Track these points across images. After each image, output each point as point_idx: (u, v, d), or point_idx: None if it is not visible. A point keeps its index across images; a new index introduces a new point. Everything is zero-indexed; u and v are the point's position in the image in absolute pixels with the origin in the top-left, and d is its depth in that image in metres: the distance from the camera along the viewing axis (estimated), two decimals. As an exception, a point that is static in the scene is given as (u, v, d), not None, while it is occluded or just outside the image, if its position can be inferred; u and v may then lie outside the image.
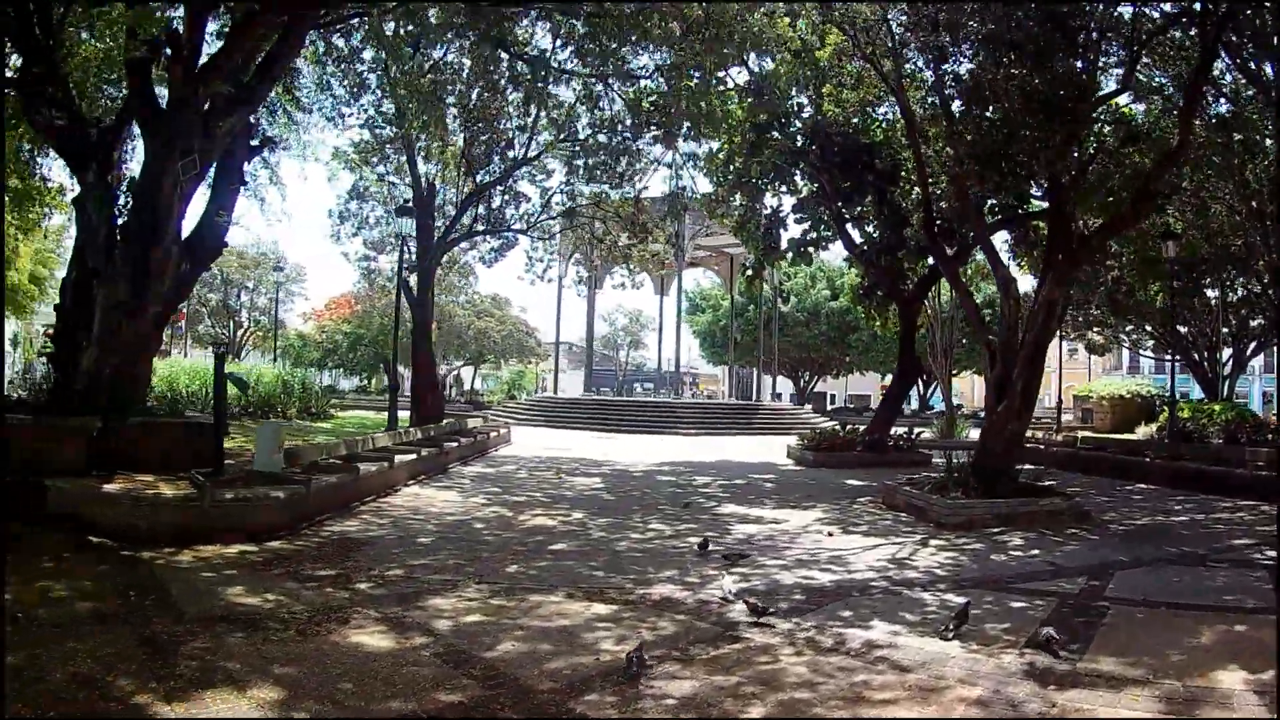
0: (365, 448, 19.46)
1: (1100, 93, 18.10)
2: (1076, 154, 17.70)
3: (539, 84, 25.00)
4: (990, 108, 17.46)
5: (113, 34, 16.14)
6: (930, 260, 27.56)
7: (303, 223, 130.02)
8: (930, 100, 19.68)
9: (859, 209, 29.22)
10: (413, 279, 31.97)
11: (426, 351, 32.40)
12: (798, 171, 29.02)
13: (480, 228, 34.28)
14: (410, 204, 29.68)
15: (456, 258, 42.31)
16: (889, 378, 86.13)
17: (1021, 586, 10.56)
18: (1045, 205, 20.75)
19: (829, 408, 76.78)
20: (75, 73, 17.60)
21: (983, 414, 24.12)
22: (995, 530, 14.70)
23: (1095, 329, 48.73)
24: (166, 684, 6.34)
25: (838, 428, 31.88)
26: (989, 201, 23.57)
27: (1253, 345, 43.51)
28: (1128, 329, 47.65)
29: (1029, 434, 33.28)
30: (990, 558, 12.57)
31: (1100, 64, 18.05)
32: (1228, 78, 23.88)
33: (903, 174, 24.99)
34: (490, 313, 78.07)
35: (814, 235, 30.82)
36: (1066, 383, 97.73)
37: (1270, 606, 9.25)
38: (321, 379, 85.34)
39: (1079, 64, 16.72)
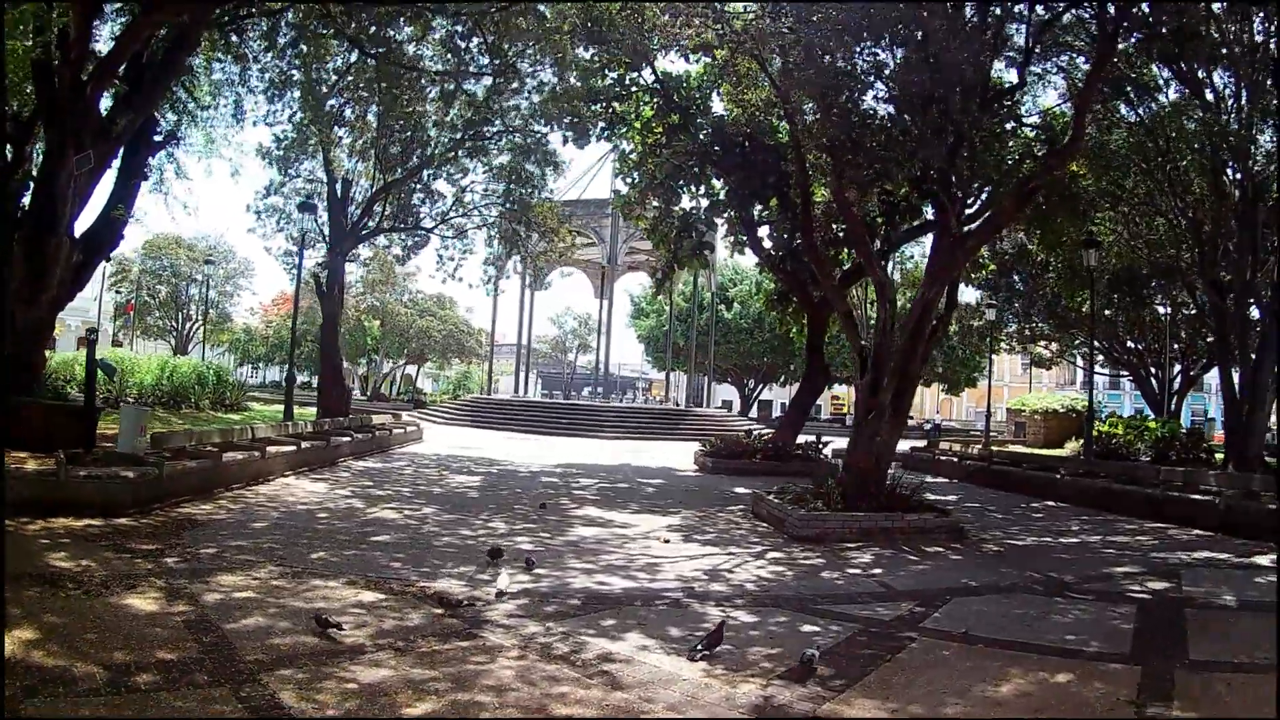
0: (242, 437, 19.91)
1: (997, 87, 18.14)
2: (967, 154, 17.14)
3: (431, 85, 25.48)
4: (860, 101, 17.47)
5: (21, 33, 16.42)
6: (848, 264, 27.95)
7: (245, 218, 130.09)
8: (804, 101, 19.10)
9: (765, 212, 29.50)
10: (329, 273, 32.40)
11: (333, 347, 32.73)
12: (713, 174, 29.12)
13: (389, 225, 34.71)
14: (312, 201, 30.01)
15: (383, 256, 42.35)
16: (841, 387, 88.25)
17: (830, 609, 10.06)
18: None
19: (773, 415, 77.09)
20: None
21: (935, 427, 24.05)
22: (850, 545, 14.50)
23: (1041, 342, 48.25)
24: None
25: (743, 434, 32.19)
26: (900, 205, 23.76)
27: (1202, 362, 42.62)
28: (1075, 343, 46.59)
29: (947, 446, 33.87)
30: (821, 575, 12.28)
31: (998, 58, 17.98)
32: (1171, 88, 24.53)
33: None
34: (433, 312, 78.30)
35: (730, 239, 31.10)
36: (1017, 397, 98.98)
37: (1118, 653, 8.56)
38: (266, 374, 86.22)
39: (965, 54, 15.88)
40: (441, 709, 6.38)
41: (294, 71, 24.21)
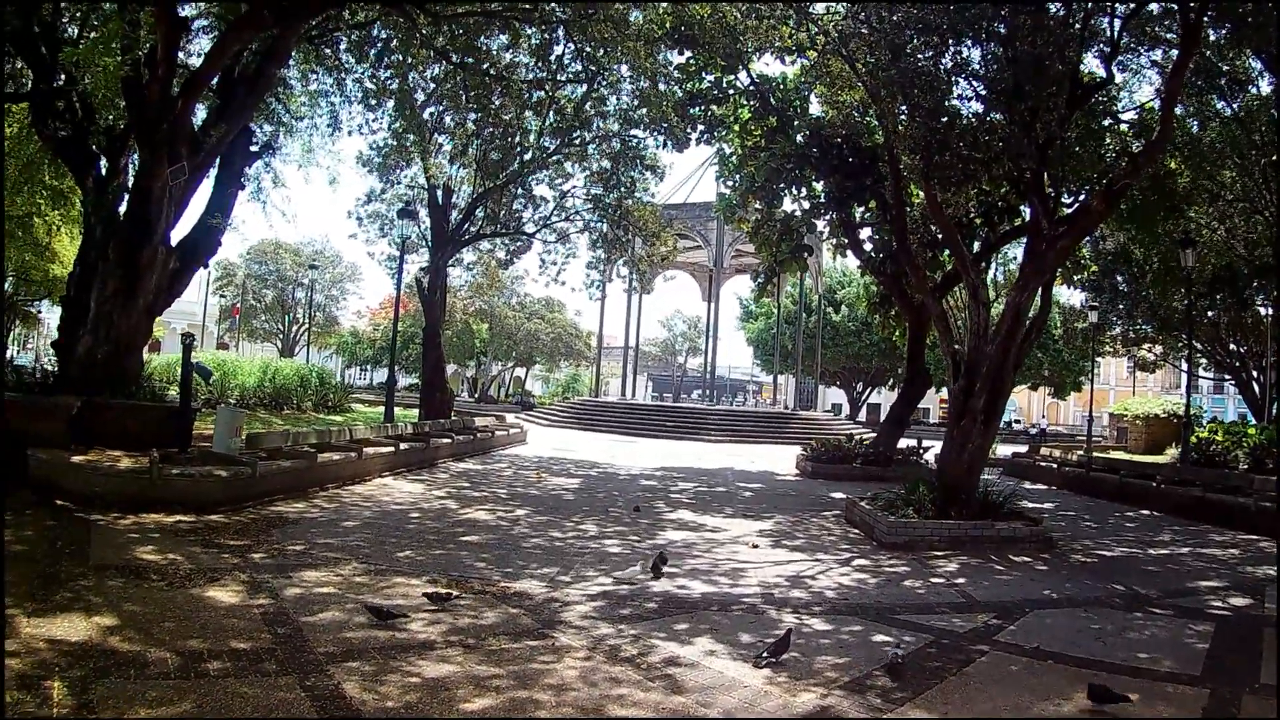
0: (340, 439, 20.39)
1: (1087, 82, 17.59)
2: (1057, 151, 16.85)
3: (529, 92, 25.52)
4: (947, 99, 16.96)
5: (108, 50, 17.08)
6: (949, 265, 27.25)
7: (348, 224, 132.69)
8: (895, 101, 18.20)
9: (867, 215, 29.36)
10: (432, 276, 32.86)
11: (434, 349, 33.09)
12: (812, 176, 28.86)
13: (490, 229, 35.09)
14: (413, 207, 30.59)
15: (487, 260, 42.72)
16: (944, 390, 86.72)
17: (906, 619, 9.91)
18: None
19: (882, 419, 76.32)
20: (88, 86, 18.71)
21: (1041, 432, 23.40)
22: (937, 553, 14.38)
23: (1145, 345, 46.87)
24: (35, 604, 7.98)
25: (844, 439, 31.93)
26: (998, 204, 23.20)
27: None
28: (1179, 346, 43.98)
29: (1047, 452, 33.31)
30: (903, 583, 12.10)
31: (1087, 51, 17.55)
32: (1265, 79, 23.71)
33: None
34: (541, 315, 79.05)
35: (832, 241, 31.01)
36: (1120, 402, 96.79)
37: (1188, 675, 8.25)
38: (373, 376, 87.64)
39: (1051, 48, 15.47)
40: (499, 705, 6.54)
41: (390, 81, 24.62)
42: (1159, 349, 47.57)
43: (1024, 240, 21.90)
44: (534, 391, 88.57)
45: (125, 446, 16.16)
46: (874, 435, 33.84)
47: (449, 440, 25.96)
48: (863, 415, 76.85)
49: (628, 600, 9.98)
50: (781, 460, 32.75)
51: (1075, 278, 33.32)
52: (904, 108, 17.23)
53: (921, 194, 22.61)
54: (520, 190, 34.43)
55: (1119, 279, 40.74)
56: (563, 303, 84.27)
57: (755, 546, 14.39)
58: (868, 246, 29.98)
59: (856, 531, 16.42)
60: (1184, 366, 50.14)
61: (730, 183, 30.99)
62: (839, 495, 21.51)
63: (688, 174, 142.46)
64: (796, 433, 48.35)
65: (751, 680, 7.44)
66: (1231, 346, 42.08)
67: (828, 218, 29.92)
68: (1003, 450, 36.92)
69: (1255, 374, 41.92)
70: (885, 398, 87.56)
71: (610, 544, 13.70)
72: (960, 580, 12.41)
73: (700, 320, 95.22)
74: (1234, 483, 21.65)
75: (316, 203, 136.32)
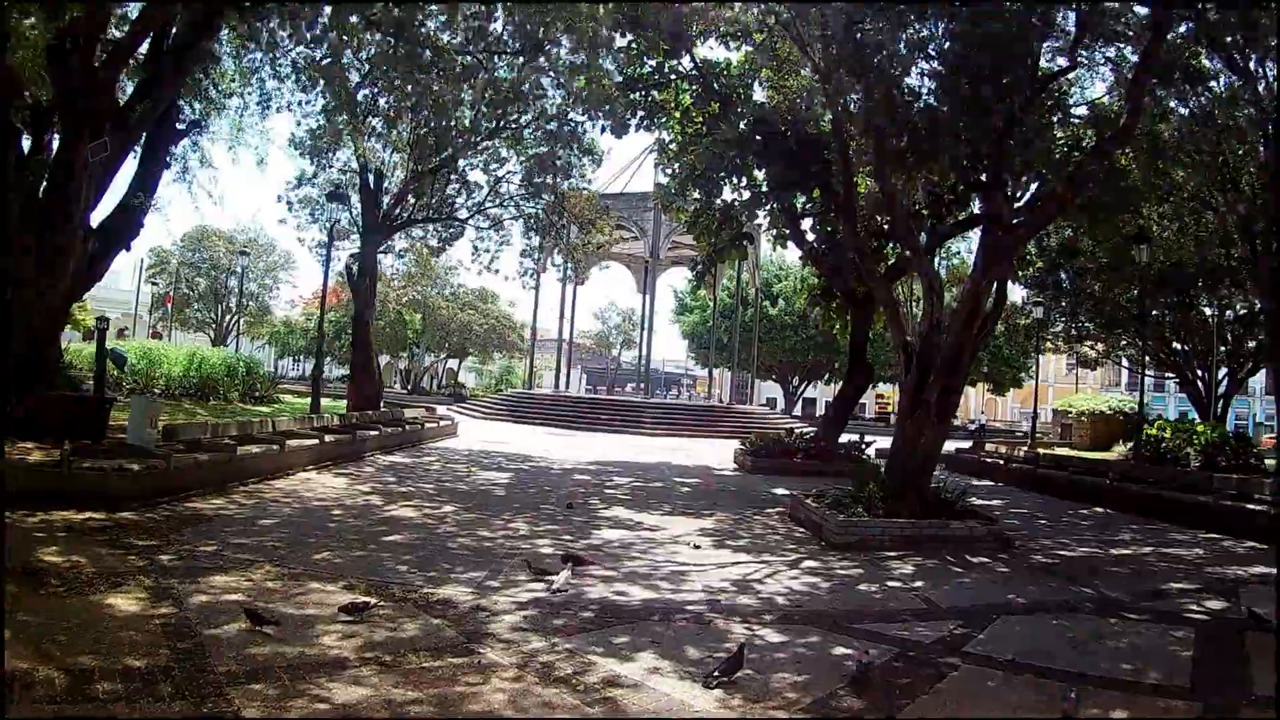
0: (263, 430, 19.64)
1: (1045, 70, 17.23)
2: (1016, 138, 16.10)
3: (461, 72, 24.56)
4: (903, 79, 16.65)
5: (37, 21, 16.30)
6: (893, 258, 27.37)
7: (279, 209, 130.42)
8: (847, 85, 17.68)
9: (809, 204, 28.76)
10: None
11: (363, 339, 32.36)
12: (755, 164, 28.01)
13: (423, 215, 34.39)
14: (343, 190, 29.70)
15: (420, 249, 41.73)
16: (884, 386, 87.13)
17: (866, 628, 9.18)
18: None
19: (817, 414, 76.24)
20: (19, 57, 17.82)
21: (980, 428, 23.05)
22: (890, 554, 13.71)
23: (1087, 342, 46.31)
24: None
25: (784, 433, 31.29)
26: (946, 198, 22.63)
27: (1249, 365, 41.30)
28: (1122, 344, 44.99)
29: (992, 448, 33.00)
30: (858, 587, 11.44)
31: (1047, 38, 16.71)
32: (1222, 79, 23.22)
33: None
34: (474, 305, 78.54)
35: (772, 232, 30.39)
36: (1062, 398, 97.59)
37: (1178, 686, 7.69)
38: (305, 367, 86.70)
39: (1014, 27, 14.91)
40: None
41: (324, 59, 23.67)
42: (1100, 346, 47.05)
43: (972, 234, 21.38)
44: (467, 384, 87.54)
45: (40, 438, 15.52)
46: (814, 430, 33.33)
47: (376, 433, 25.17)
48: (798, 409, 76.65)
49: (562, 609, 9.21)
50: (719, 454, 32.18)
51: (1020, 274, 32.88)
52: (859, 89, 16.71)
53: (869, 184, 22.25)
54: (454, 176, 33.69)
55: (1063, 275, 40.39)
56: (496, 294, 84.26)
57: (697, 547, 13.69)
58: (810, 237, 29.50)
59: (803, 530, 15.76)
60: (1126, 364, 50.78)
61: (669, 171, 30.29)
62: (781, 492, 21.01)
63: (625, 164, 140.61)
64: (732, 426, 47.86)
65: (702, 703, 6.72)
66: (1175, 345, 41.59)
67: (768, 207, 29.13)
68: (946, 447, 35.80)
69: (1200, 373, 41.56)
70: (821, 392, 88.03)
71: (542, 544, 12.99)
72: (919, 584, 11.71)
73: (635, 313, 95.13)
74: (1192, 480, 21.43)
75: (248, 188, 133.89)
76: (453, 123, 29.66)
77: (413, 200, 33.20)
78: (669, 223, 49.36)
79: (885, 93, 15.96)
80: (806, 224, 29.56)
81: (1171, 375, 46.02)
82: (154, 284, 76.75)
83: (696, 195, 29.57)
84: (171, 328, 77.50)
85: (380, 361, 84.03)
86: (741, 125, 25.99)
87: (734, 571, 11.95)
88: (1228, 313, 37.94)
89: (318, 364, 31.14)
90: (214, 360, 34.61)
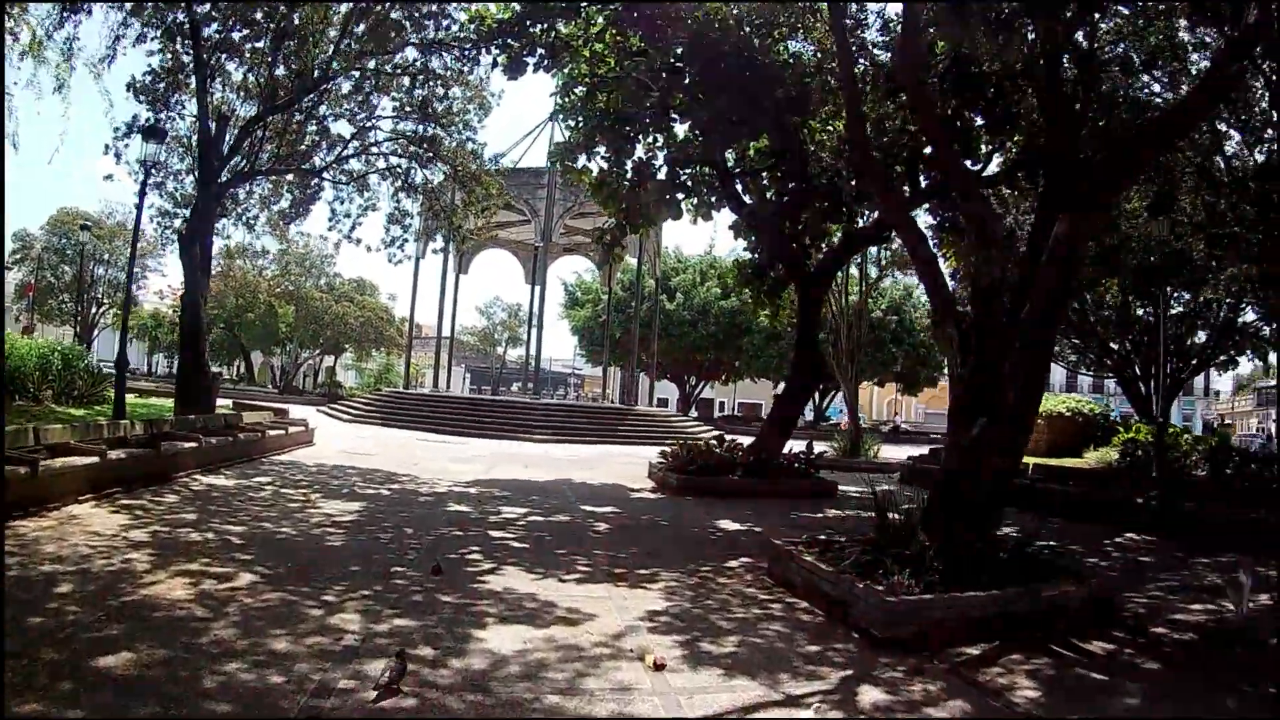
0: (22, 443, 13.12)
1: None
2: None
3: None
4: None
5: None
6: (836, 235, 22.71)
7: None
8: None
9: (751, 162, 23.18)
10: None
11: (194, 325, 24.85)
12: (675, 116, 22.40)
13: (266, 167, 27.45)
14: (161, 125, 22.81)
15: (274, 217, 34.15)
16: (784, 386, 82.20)
17: None
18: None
19: (715, 415, 70.78)
20: None
21: (895, 429, 17.52)
22: (971, 652, 8.15)
23: None
24: None
25: (714, 442, 24.26)
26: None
27: (1193, 364, 39.41)
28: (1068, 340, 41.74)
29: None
30: None
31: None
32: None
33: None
34: (351, 297, 72.46)
35: (694, 200, 23.79)
36: None
37: None
38: (173, 363, 79.47)
39: None
40: None
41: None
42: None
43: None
44: (345, 383, 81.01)
45: None
46: (734, 438, 26.52)
47: (195, 444, 18.03)
48: (693, 411, 70.53)
49: None
50: (627, 466, 25.99)
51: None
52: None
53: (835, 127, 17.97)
54: (312, 123, 27.10)
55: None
56: (376, 285, 78.46)
57: (660, 667, 7.20)
58: (747, 200, 23.45)
59: (804, 604, 9.65)
60: (1062, 364, 47.79)
61: (571, 123, 23.79)
62: (731, 526, 15.29)
63: (516, 138, 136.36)
64: (634, 431, 41.94)
65: None
66: (1113, 345, 39.20)
67: (691, 169, 23.02)
68: (894, 454, 31.60)
69: (1138, 372, 38.90)
70: (718, 392, 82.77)
71: (377, 666, 6.62)
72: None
73: (521, 308, 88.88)
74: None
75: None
76: (313, 55, 24.23)
77: (269, 151, 26.88)
78: (563, 202, 44.59)
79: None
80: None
81: (1110, 375, 43.84)
82: (6, 269, 68.46)
83: (603, 153, 23.19)
84: (34, 319, 70.22)
85: (255, 359, 79.07)
86: (673, 57, 20.25)
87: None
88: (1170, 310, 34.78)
89: (121, 353, 23.28)
90: (23, 351, 26.92)
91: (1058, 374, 75.81)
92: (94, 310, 72.84)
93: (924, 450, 31.82)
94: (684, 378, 71.48)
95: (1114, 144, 13.89)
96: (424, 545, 11.81)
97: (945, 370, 54.45)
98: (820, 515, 17.90)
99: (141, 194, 22.00)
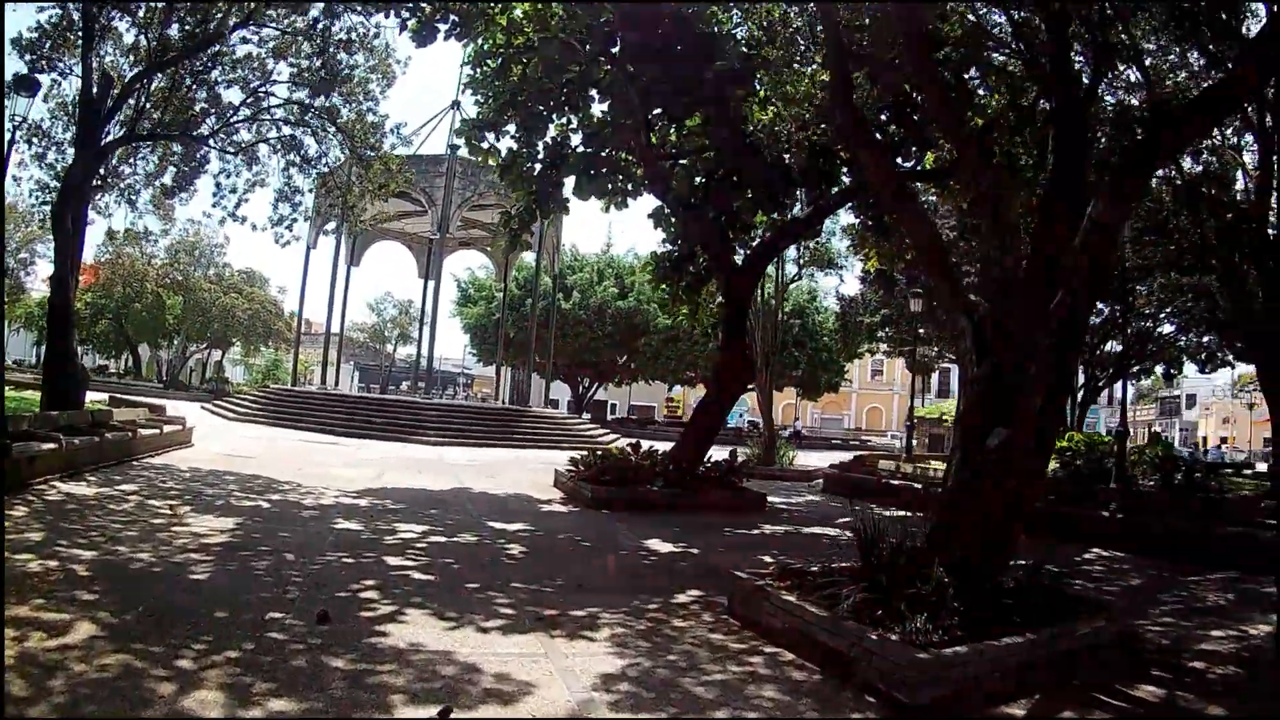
0: None
1: None
2: None
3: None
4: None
5: None
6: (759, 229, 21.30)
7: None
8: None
9: (677, 145, 21.26)
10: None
11: (62, 310, 21.63)
12: (595, 95, 20.41)
13: (147, 131, 24.23)
14: (33, 75, 20.16)
15: (157, 195, 30.94)
16: (678, 389, 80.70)
17: None
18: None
19: (609, 418, 68.84)
20: None
21: (796, 434, 15.88)
22: (1020, 716, 6.56)
23: (921, 345, 42.05)
24: None
25: (628, 449, 21.30)
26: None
27: (1110, 372, 39.47)
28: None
29: (889, 465, 26.06)
30: None
31: None
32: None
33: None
34: (239, 289, 69.16)
35: (608, 188, 21.59)
36: (869, 405, 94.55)
37: None
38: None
39: None
40: None
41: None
42: (934, 349, 43.82)
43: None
44: (233, 379, 77.62)
45: None
46: (642, 443, 23.86)
47: (56, 445, 15.24)
48: (586, 414, 68.36)
49: None
50: (529, 474, 23.80)
51: (898, 262, 25.17)
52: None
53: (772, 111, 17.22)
54: (202, 92, 24.56)
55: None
56: (266, 277, 75.54)
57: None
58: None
59: (790, 656, 7.64)
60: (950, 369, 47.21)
61: (480, 98, 21.40)
62: (662, 546, 13.28)
63: (416, 125, 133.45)
64: (531, 433, 39.80)
65: None
66: None
67: (607, 151, 20.91)
68: (811, 461, 30.87)
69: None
70: (611, 394, 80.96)
71: None
72: None
73: (413, 304, 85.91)
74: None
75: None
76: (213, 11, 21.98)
77: (153, 120, 23.97)
78: (463, 190, 42.48)
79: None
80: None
81: None
82: None
83: (512, 132, 21.16)
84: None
85: (142, 353, 75.31)
86: (604, 19, 18.22)
87: None
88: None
89: None
90: None
91: (945, 379, 75.51)
92: (-22, 300, 68.00)
93: (838, 456, 30.50)
94: (578, 378, 69.71)
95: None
96: (307, 578, 9.41)
97: (845, 376, 53.58)
98: (757, 532, 16.08)
99: (7, 150, 19.03)
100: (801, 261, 37.97)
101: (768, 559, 12.32)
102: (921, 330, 38.95)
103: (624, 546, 13.36)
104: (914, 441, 40.42)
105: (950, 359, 45.02)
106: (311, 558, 10.49)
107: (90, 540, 10.33)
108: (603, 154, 21.04)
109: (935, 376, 73.36)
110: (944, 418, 40.33)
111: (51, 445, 15.15)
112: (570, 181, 20.83)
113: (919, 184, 21.11)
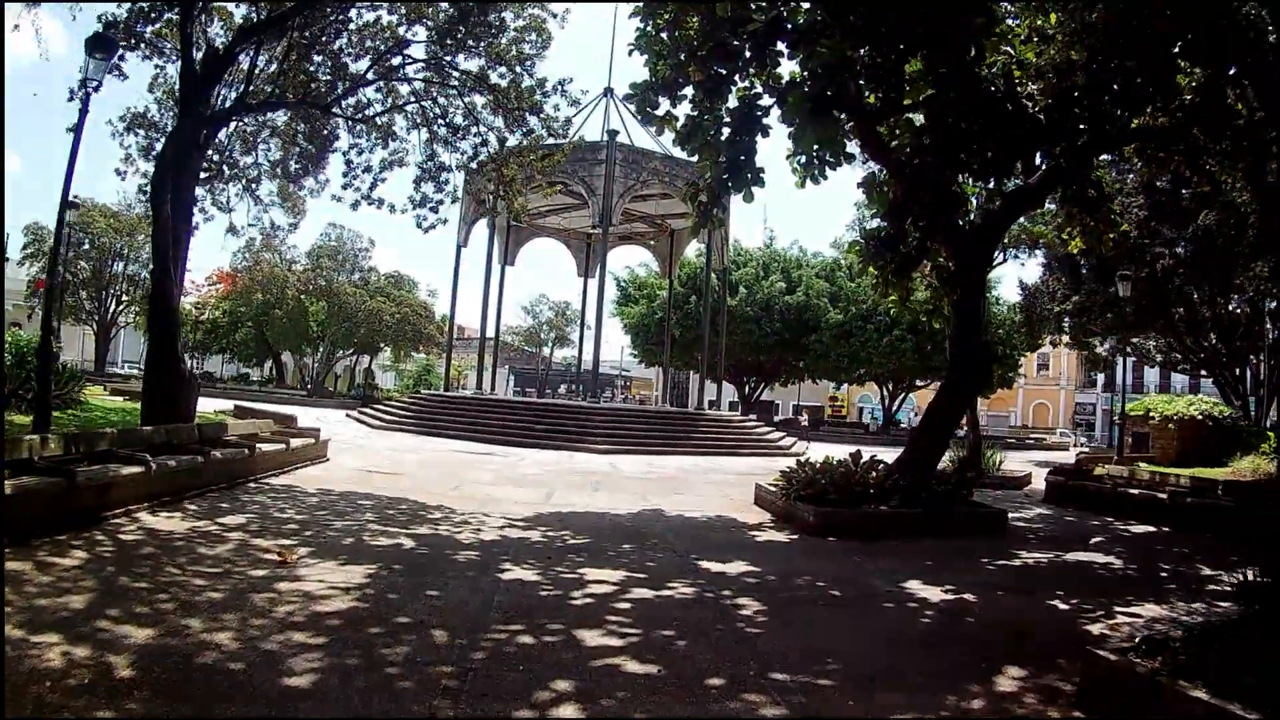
0: None
1: None
2: None
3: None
4: None
5: None
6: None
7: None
8: None
9: (891, 92, 16.84)
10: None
11: (165, 306, 18.79)
12: (784, 49, 16.00)
13: (257, 100, 21.79)
14: (110, 35, 17.83)
15: (283, 184, 28.19)
16: (846, 387, 77.33)
17: None
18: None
19: (776, 419, 65.72)
20: None
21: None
22: None
23: (1095, 338, 40.29)
24: None
25: (849, 460, 17.20)
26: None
27: None
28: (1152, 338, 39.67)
29: (1116, 470, 22.81)
30: None
31: None
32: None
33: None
34: (387, 293, 67.68)
35: (800, 158, 17.87)
36: (1035, 401, 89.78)
37: None
38: (203, 364, 75.02)
39: None
40: None
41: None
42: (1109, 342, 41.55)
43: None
44: (384, 385, 76.55)
45: None
46: (864, 451, 20.45)
47: (142, 468, 12.46)
48: (752, 415, 65.09)
49: None
50: (718, 487, 20.72)
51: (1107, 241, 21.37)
52: None
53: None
54: (320, 56, 21.91)
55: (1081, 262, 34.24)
56: (414, 280, 74.17)
57: None
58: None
59: None
60: (1138, 360, 44.99)
61: (653, 50, 17.36)
62: (929, 593, 10.02)
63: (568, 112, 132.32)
64: (709, 439, 36.22)
65: None
66: (1206, 342, 36.65)
67: (806, 108, 17.23)
68: (1010, 465, 27.16)
69: (1236, 370, 37.13)
70: (777, 394, 77.96)
71: None
72: None
73: (570, 307, 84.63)
74: None
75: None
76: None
77: (264, 84, 21.72)
78: (625, 178, 39.22)
79: None
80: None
81: (1205, 373, 40.53)
82: (19, 264, 64.62)
83: (690, 95, 17.30)
84: (58, 318, 64.95)
85: (286, 360, 74.51)
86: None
87: None
88: (1270, 302, 32.81)
89: (45, 343, 17.30)
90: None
91: (1151, 375, 70.52)
92: (114, 307, 68.50)
93: (1019, 456, 27.02)
94: (743, 378, 66.94)
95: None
96: (466, 681, 6.13)
97: (1019, 370, 50.00)
98: (1018, 563, 12.76)
99: (82, 115, 15.98)
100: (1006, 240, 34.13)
101: (1062, 606, 9.51)
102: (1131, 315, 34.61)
103: (881, 594, 9.94)
104: (1123, 440, 36.36)
105: (1125, 352, 41.04)
106: (472, 638, 7.14)
107: (154, 609, 7.25)
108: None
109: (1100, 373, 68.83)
110: (1150, 414, 35.66)
111: (136, 468, 12.44)
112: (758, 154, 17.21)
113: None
